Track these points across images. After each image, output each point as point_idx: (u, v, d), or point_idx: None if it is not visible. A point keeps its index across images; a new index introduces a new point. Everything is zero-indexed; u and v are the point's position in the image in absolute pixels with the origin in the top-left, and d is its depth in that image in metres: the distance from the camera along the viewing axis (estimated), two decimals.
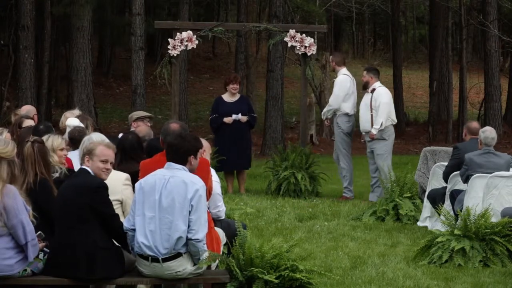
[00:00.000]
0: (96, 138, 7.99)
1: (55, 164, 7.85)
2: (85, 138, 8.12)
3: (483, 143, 10.42)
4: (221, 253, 7.61)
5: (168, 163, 7.18)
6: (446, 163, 11.32)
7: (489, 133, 10.43)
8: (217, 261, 7.45)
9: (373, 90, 13.78)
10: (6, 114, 21.28)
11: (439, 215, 10.63)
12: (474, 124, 11.31)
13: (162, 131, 8.60)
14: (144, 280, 7.15)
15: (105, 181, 7.18)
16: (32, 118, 12.08)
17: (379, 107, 13.65)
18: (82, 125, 10.21)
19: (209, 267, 7.31)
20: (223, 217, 8.28)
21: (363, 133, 14.19)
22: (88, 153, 7.23)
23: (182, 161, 7.15)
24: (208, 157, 8.25)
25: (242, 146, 14.57)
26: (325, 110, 14.59)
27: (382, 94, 13.75)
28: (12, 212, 6.75)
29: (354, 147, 15.55)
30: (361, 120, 14.04)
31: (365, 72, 14.06)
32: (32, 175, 7.24)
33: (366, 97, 13.97)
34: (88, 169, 7.19)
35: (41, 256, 7.01)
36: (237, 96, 14.71)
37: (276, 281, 7.37)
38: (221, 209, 8.21)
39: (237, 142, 14.46)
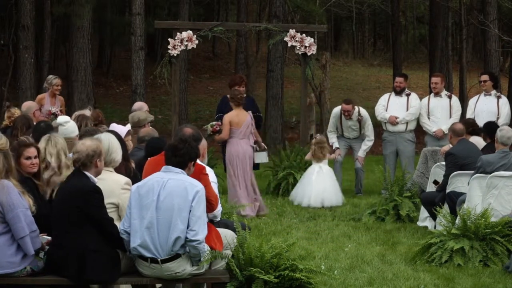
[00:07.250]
0: (104, 137, 7.66)
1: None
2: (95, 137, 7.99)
3: (499, 141, 10.21)
4: (222, 250, 7.50)
5: (165, 166, 7.12)
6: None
7: (505, 132, 10.27)
8: (224, 260, 7.39)
9: (409, 94, 14.75)
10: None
11: (434, 219, 10.64)
12: (459, 126, 11.35)
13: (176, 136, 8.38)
14: (144, 280, 7.13)
15: (103, 183, 7.09)
16: (34, 115, 12.14)
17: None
18: (73, 122, 10.16)
19: (209, 267, 7.30)
20: (219, 218, 8.14)
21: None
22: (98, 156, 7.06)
23: (182, 165, 7.10)
24: (206, 156, 8.21)
25: None
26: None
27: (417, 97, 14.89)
28: (6, 207, 6.77)
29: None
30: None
31: (403, 79, 14.88)
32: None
33: (402, 100, 14.59)
34: (86, 172, 7.03)
35: (41, 255, 7.00)
36: None
37: (276, 280, 7.36)
38: (216, 209, 8.05)
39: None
